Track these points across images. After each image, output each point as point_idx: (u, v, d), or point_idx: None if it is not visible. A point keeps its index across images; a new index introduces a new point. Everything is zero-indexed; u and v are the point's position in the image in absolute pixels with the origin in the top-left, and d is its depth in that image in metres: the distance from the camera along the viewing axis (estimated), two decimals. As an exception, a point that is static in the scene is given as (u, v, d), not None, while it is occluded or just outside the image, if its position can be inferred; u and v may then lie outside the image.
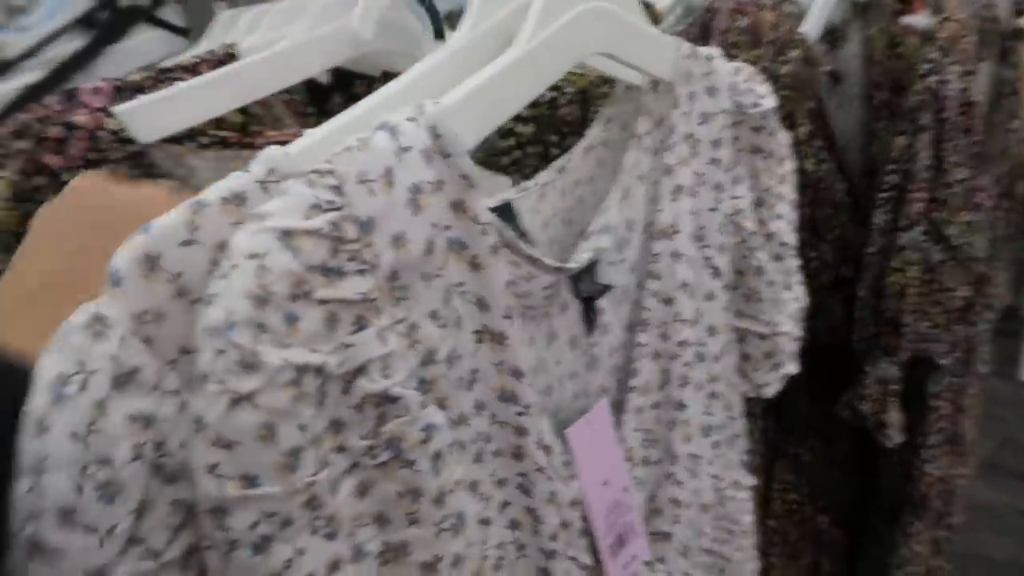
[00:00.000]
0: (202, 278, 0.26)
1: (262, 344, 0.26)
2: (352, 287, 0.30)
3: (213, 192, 0.27)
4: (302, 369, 0.28)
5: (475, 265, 0.35)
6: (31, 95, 0.48)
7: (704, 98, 0.50)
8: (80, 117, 0.39)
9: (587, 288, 0.45)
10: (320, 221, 0.28)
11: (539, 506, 0.41)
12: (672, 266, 0.50)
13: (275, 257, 0.27)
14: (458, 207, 0.34)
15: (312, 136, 0.31)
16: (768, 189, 0.56)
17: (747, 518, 0.63)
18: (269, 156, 0.29)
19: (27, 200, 0.37)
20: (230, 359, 0.26)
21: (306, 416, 0.28)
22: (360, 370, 0.30)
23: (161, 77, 0.42)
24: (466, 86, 0.34)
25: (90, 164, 0.37)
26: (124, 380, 0.25)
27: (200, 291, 0.26)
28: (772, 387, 0.63)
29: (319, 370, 0.29)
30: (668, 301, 0.50)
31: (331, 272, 0.29)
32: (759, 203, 0.56)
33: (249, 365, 0.26)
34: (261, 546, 0.28)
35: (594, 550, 0.48)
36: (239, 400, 0.26)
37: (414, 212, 0.32)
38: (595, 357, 0.50)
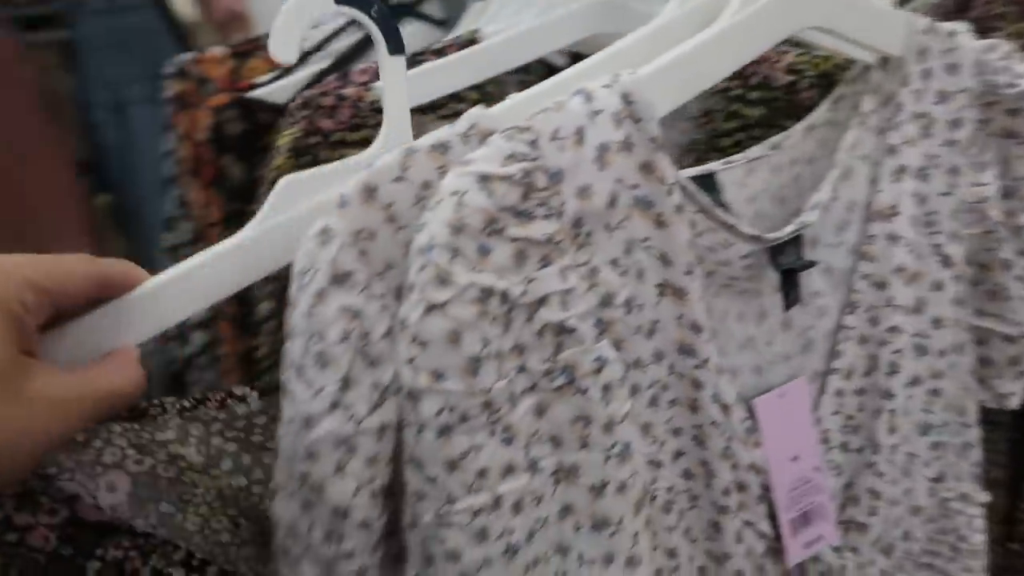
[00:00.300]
0: (407, 209, 0.33)
1: (455, 265, 0.32)
2: (540, 229, 0.35)
3: (423, 141, 0.33)
4: (487, 291, 0.33)
5: (660, 223, 0.38)
6: (318, 78, 0.59)
7: (942, 76, 0.48)
8: (348, 90, 0.49)
9: (787, 261, 0.45)
10: (514, 169, 0.34)
11: (712, 460, 0.43)
12: (888, 249, 0.49)
13: (472, 196, 0.33)
14: (646, 168, 0.37)
15: (514, 99, 0.37)
16: (1021, 178, 0.52)
17: (977, 537, 0.59)
18: (472, 114, 0.35)
19: (303, 155, 0.47)
20: (429, 274, 0.32)
21: (489, 332, 0.34)
22: (542, 301, 0.35)
23: (414, 60, 0.50)
24: (663, 58, 0.38)
25: (353, 128, 0.46)
26: (338, 279, 0.32)
27: (405, 220, 0.33)
28: (1016, 398, 0.58)
29: (504, 296, 0.34)
30: (881, 285, 0.49)
31: (522, 214, 0.34)
32: (1008, 193, 0.52)
33: (443, 280, 0.32)
34: (443, 432, 0.34)
35: (774, 521, 0.48)
36: (433, 308, 0.32)
37: (600, 168, 0.36)
38: (810, 340, 0.50)
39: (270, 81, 0.61)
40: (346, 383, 0.33)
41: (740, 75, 0.62)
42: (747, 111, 0.62)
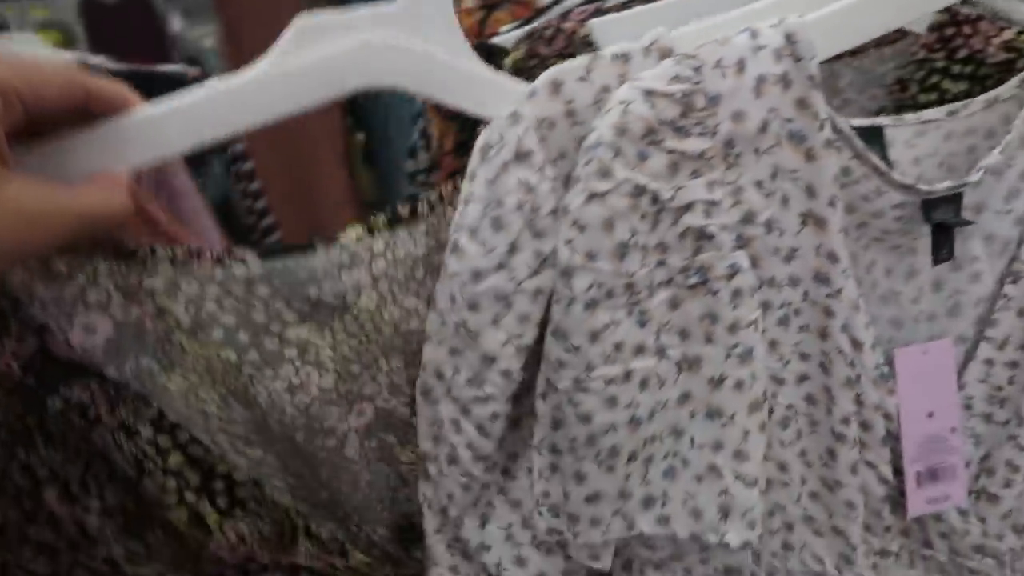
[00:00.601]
0: (585, 108, 0.39)
1: (616, 163, 0.39)
2: (693, 145, 0.40)
3: (608, 50, 0.40)
4: (641, 189, 0.39)
5: (810, 156, 0.42)
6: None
7: None
8: (566, 24, 0.57)
9: (940, 216, 0.47)
10: (676, 88, 0.39)
11: (835, 388, 0.46)
12: (1059, 222, 0.49)
13: (637, 106, 0.39)
14: (801, 104, 0.41)
15: (690, 28, 0.42)
16: None
17: None
18: (655, 33, 0.40)
19: (522, 74, 0.55)
20: (593, 168, 0.39)
21: (638, 225, 0.40)
22: (688, 207, 0.41)
23: (629, 4, 0.57)
24: (831, 7, 0.42)
25: (564, 56, 0.53)
26: (519, 157, 0.40)
27: (581, 117, 0.39)
28: None
29: (655, 197, 0.40)
30: (1047, 258, 0.49)
31: (679, 130, 0.40)
32: None
33: (604, 174, 0.39)
34: (590, 306, 0.40)
35: (899, 473, 0.50)
36: (593, 196, 0.39)
37: (756, 96, 0.40)
38: (959, 304, 0.52)
39: (509, 31, 0.71)
40: (513, 248, 0.40)
41: (945, 47, 0.62)
42: (949, 84, 0.62)
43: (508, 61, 0.54)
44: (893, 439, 0.50)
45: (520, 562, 0.48)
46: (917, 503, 0.51)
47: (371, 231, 0.46)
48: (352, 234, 0.45)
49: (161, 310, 0.42)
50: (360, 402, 0.49)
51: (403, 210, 0.46)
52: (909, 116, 0.51)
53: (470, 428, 0.43)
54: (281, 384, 0.46)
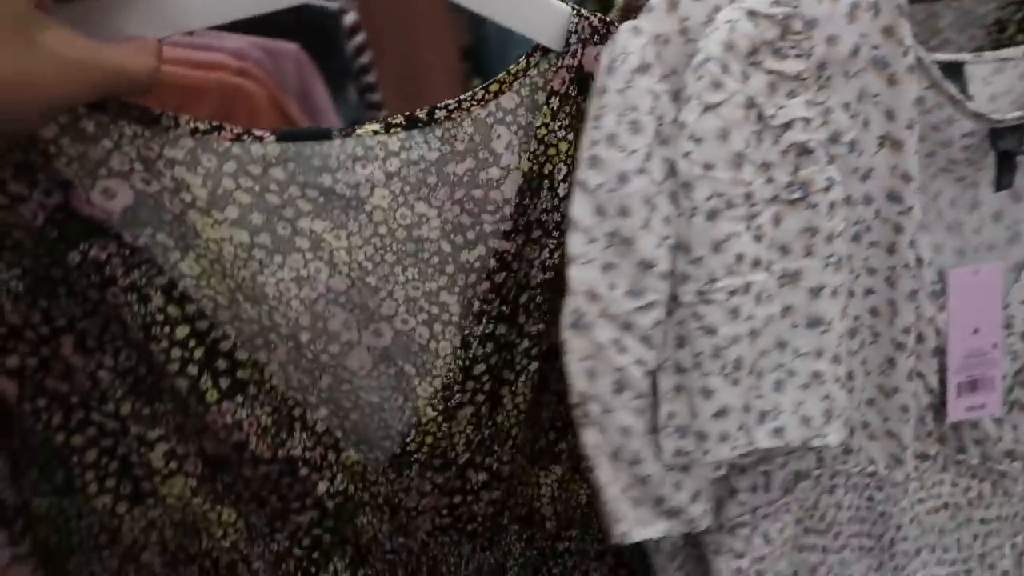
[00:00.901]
0: (697, 26, 0.42)
1: (725, 76, 0.42)
2: (791, 66, 0.43)
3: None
4: (751, 101, 0.42)
5: (892, 81, 0.45)
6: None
7: None
8: None
9: (1006, 144, 0.50)
10: (777, 11, 0.42)
11: (899, 300, 0.50)
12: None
13: (742, 24, 0.42)
14: (887, 31, 0.45)
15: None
16: None
17: None
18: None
19: (632, 12, 0.52)
20: (705, 82, 0.42)
21: (749, 137, 0.43)
22: (788, 124, 0.44)
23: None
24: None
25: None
26: (642, 68, 0.42)
27: (693, 35, 0.42)
28: None
29: (760, 114, 0.43)
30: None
31: (777, 51, 0.43)
32: None
33: (717, 86, 0.42)
34: (711, 216, 0.43)
35: (942, 383, 0.55)
36: (708, 108, 0.42)
37: (849, 21, 0.43)
38: (1018, 233, 0.55)
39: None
40: (648, 152, 0.43)
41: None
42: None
43: (619, 2, 0.54)
44: (940, 352, 0.54)
45: (677, 485, 0.48)
46: (957, 410, 0.55)
47: (387, 129, 0.47)
48: (369, 128, 0.46)
49: (179, 184, 0.44)
50: (377, 322, 0.49)
51: (421, 113, 0.47)
52: (988, 53, 0.53)
53: (634, 343, 0.44)
54: (289, 273, 0.47)
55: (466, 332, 0.50)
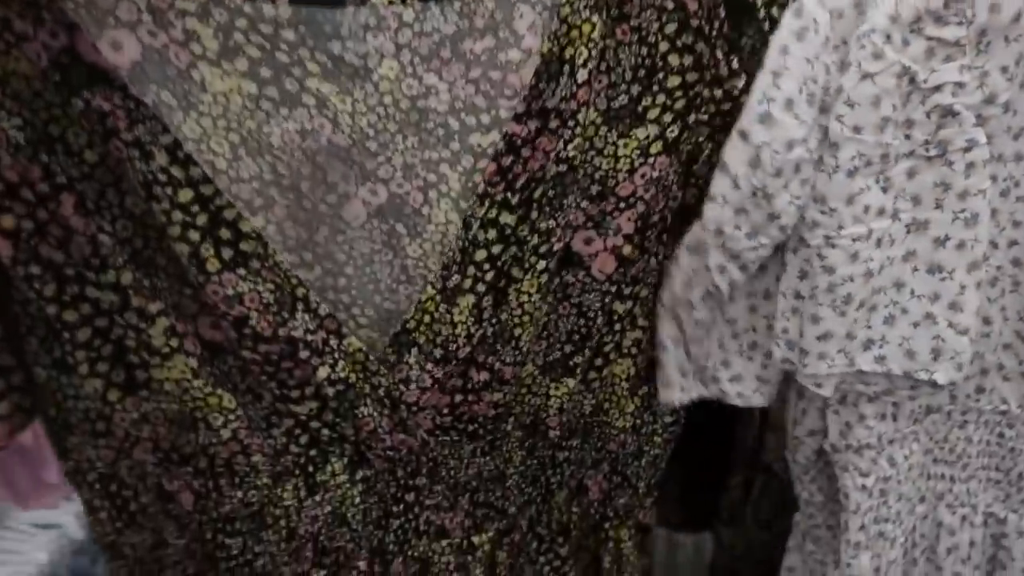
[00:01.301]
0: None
1: (887, 47, 0.46)
2: (951, 32, 0.47)
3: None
4: (905, 69, 0.46)
5: (1052, 45, 0.48)
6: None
7: None
8: None
9: None
10: (944, -18, 0.46)
11: (1041, 252, 0.53)
12: None
13: (909, -4, 0.45)
14: (1052, -4, 0.47)
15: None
16: None
17: None
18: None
19: None
20: (867, 51, 0.46)
21: (898, 102, 0.47)
22: (938, 88, 0.48)
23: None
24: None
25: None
26: (826, 42, 0.46)
27: (865, 7, 0.46)
28: None
29: (912, 78, 0.47)
30: None
31: (939, 19, 0.46)
32: None
33: (876, 55, 0.46)
34: (851, 173, 0.48)
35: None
36: (866, 76, 0.46)
37: (1013, -11, 0.46)
38: None
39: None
40: (813, 123, 0.47)
41: None
42: None
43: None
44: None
45: (726, 364, 0.58)
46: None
47: None
48: None
49: (189, 35, 0.43)
50: (374, 182, 0.49)
51: None
52: None
53: (735, 270, 0.52)
54: (294, 125, 0.46)
55: (468, 214, 0.49)
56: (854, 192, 0.48)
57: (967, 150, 0.49)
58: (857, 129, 0.47)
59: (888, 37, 0.46)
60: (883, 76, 0.46)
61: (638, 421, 0.62)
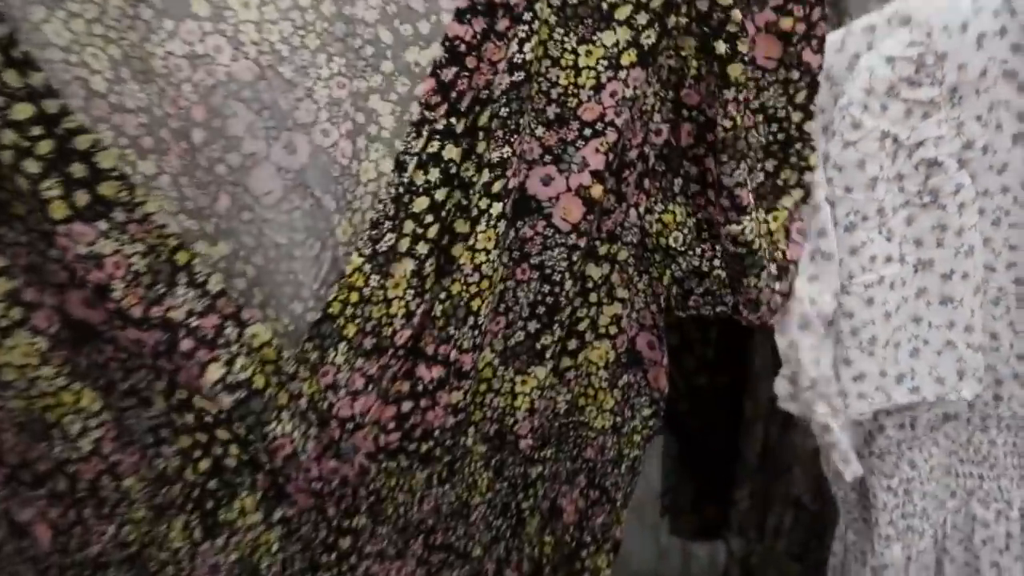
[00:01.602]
0: (840, 72, 0.51)
1: (864, 116, 0.50)
2: (925, 93, 0.51)
3: (858, 23, 0.51)
4: (885, 134, 0.51)
5: (1021, 88, 0.52)
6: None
7: None
8: None
9: None
10: (912, 52, 0.50)
11: (1039, 270, 0.57)
12: None
13: (880, 70, 0.50)
14: (1016, 47, 0.51)
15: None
16: None
17: None
18: (895, 5, 0.51)
19: None
20: (847, 122, 0.51)
21: (884, 162, 0.52)
22: (920, 143, 0.52)
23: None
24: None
25: None
26: None
27: (838, 80, 0.51)
28: None
29: (895, 138, 0.52)
30: None
31: (913, 83, 0.51)
32: None
33: (855, 125, 0.51)
34: (849, 228, 0.53)
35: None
36: (848, 144, 0.51)
37: (977, 48, 0.51)
38: None
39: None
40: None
41: None
42: None
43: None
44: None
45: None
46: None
47: None
48: None
49: None
50: (291, 130, 0.37)
51: None
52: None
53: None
54: (180, 47, 0.35)
55: (401, 150, 0.39)
56: (856, 245, 0.53)
57: (955, 193, 0.53)
58: (848, 189, 0.52)
59: (866, 107, 0.51)
60: (864, 142, 0.51)
61: (618, 419, 0.51)
